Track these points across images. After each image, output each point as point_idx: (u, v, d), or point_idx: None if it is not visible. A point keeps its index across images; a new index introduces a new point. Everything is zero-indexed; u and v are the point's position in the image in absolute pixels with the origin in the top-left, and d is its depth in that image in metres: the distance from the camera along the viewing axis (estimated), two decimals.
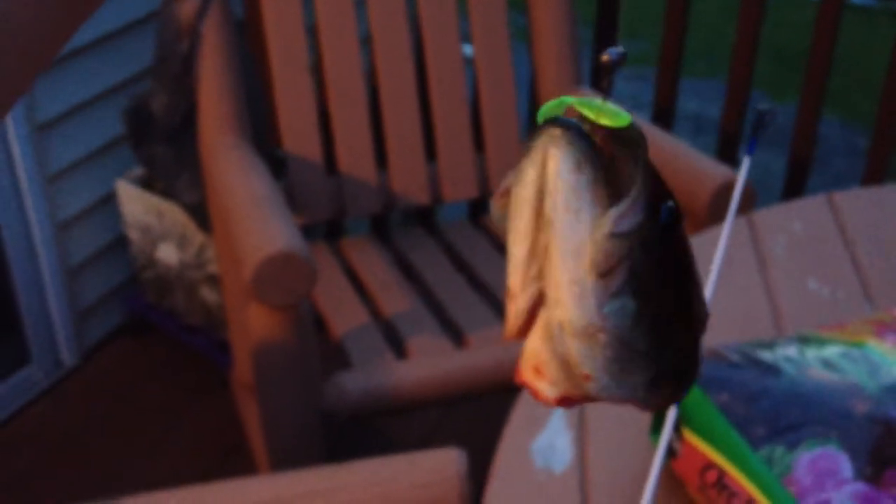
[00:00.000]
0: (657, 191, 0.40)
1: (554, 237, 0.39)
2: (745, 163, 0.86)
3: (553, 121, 0.39)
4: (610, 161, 0.39)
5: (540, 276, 0.41)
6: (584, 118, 0.39)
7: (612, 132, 0.39)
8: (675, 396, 0.46)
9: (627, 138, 0.39)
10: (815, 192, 1.39)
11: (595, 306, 0.40)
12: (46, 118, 1.98)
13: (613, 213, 0.38)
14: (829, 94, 1.99)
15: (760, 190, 3.13)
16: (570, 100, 0.40)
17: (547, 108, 0.40)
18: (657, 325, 0.41)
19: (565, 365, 0.42)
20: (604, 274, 0.39)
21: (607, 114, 0.39)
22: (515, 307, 0.42)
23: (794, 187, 2.06)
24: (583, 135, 0.38)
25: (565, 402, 0.44)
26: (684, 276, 0.43)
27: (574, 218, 0.38)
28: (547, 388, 0.43)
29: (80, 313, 2.18)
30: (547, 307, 0.41)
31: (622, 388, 0.43)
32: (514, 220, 0.40)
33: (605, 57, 0.40)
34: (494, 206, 0.42)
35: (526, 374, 0.43)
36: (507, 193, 0.41)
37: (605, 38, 2.21)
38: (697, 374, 0.46)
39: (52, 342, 2.15)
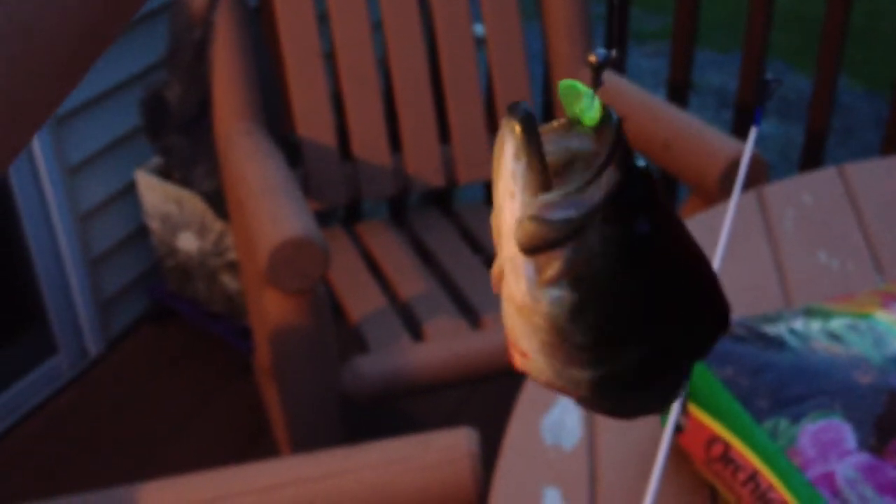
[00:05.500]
0: (636, 198, 0.40)
1: (500, 215, 0.41)
2: (752, 135, 0.86)
3: (512, 106, 0.40)
4: (595, 157, 0.40)
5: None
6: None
7: (596, 129, 0.40)
8: (640, 411, 0.45)
9: (604, 137, 0.40)
10: (841, 163, 1.38)
11: (526, 286, 0.40)
12: (64, 111, 2.01)
13: (543, 198, 0.39)
14: (856, 64, 1.97)
15: (782, 161, 3.12)
16: (581, 88, 0.40)
17: (564, 87, 0.41)
18: (604, 327, 0.41)
19: (510, 336, 0.43)
20: (528, 254, 0.40)
21: (585, 111, 0.40)
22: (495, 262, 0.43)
23: (811, 157, 2.04)
24: (529, 124, 0.39)
25: (525, 372, 0.44)
26: (663, 292, 0.42)
27: (510, 200, 0.40)
28: (515, 354, 0.44)
29: (104, 303, 2.21)
30: (504, 277, 0.42)
31: (560, 379, 0.42)
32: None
33: (592, 58, 0.41)
34: None
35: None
36: None
37: (618, 13, 2.20)
38: (674, 396, 0.45)
39: (78, 332, 2.18)
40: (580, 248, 0.39)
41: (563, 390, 0.43)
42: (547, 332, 0.41)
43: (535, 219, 0.39)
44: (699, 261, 0.42)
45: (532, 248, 0.39)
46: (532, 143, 0.39)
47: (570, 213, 0.39)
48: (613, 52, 0.41)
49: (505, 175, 0.40)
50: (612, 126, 0.39)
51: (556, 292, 0.40)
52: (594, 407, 0.44)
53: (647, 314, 0.42)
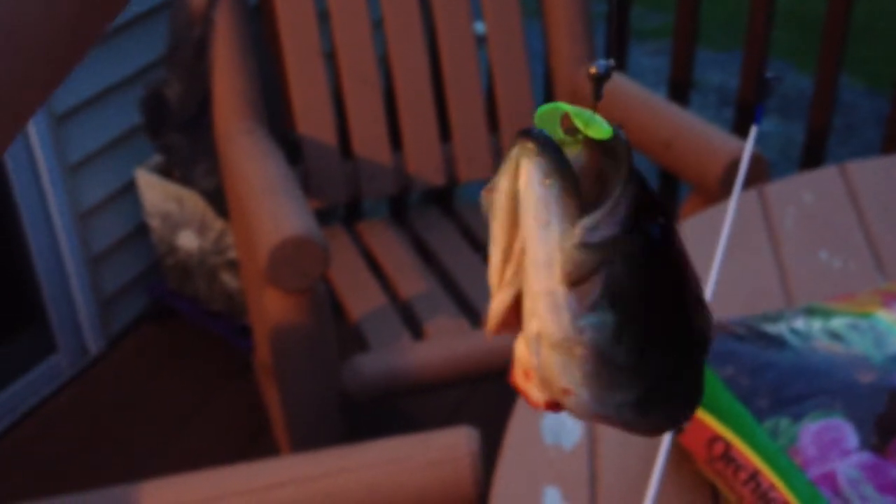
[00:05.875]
0: (646, 206, 0.39)
1: (526, 247, 0.39)
2: (752, 133, 0.86)
3: (525, 132, 0.39)
4: (597, 173, 0.39)
5: (516, 279, 0.40)
6: (572, 128, 0.39)
7: (599, 144, 0.39)
8: (672, 422, 0.45)
9: (612, 151, 0.39)
10: (842, 162, 1.38)
11: (569, 319, 0.39)
12: (65, 109, 2.00)
13: (584, 222, 0.38)
14: (857, 62, 1.96)
15: (783, 160, 3.12)
16: (565, 107, 0.39)
17: (542, 112, 0.40)
18: (643, 341, 0.40)
19: (545, 376, 0.41)
20: (575, 284, 0.38)
21: (592, 125, 0.39)
22: (492, 306, 0.41)
23: (812, 156, 2.04)
24: (552, 147, 0.38)
25: (554, 407, 0.43)
26: (679, 294, 0.41)
27: (543, 229, 0.38)
28: (536, 392, 0.42)
29: (104, 301, 2.21)
30: (524, 315, 0.40)
31: (605, 407, 0.41)
32: (492, 222, 0.40)
33: (592, 69, 0.40)
34: (484, 199, 0.41)
35: (517, 376, 0.42)
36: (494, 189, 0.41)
37: (619, 11, 2.20)
38: (699, 399, 0.44)
39: (77, 331, 2.18)
40: (613, 265, 0.39)
41: (606, 419, 0.42)
42: (590, 360, 0.39)
43: (582, 246, 0.38)
44: (687, 258, 0.42)
45: (581, 277, 0.38)
46: (562, 167, 0.38)
47: (609, 232, 0.38)
48: (612, 62, 0.41)
49: (533, 205, 0.38)
50: (621, 138, 0.39)
51: (597, 317, 0.39)
52: (637, 428, 0.43)
53: (670, 319, 0.41)
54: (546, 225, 0.38)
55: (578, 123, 0.39)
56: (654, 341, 0.41)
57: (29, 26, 0.35)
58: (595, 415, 0.42)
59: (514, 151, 0.39)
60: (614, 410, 0.41)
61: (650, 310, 0.40)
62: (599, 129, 0.39)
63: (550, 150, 0.38)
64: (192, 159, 1.99)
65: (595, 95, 0.40)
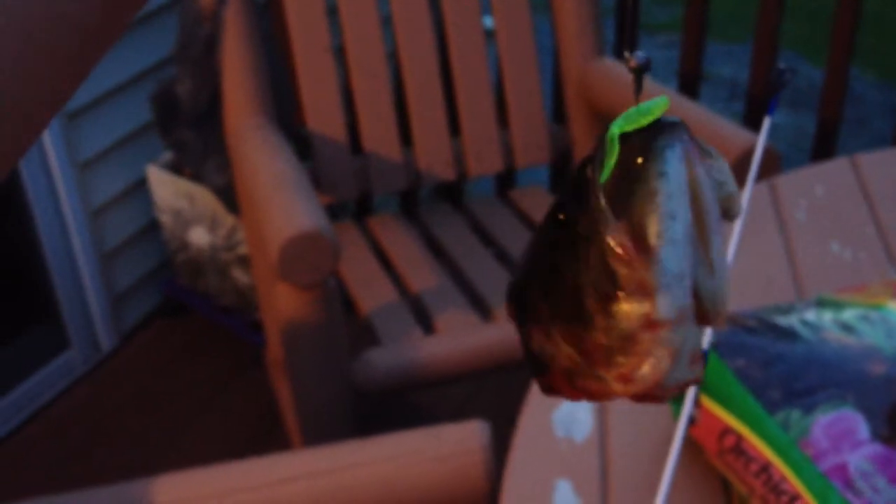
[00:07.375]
0: None
1: (707, 233, 0.40)
2: (766, 125, 0.86)
3: (659, 128, 0.39)
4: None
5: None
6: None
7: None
8: None
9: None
10: (853, 153, 1.37)
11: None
12: (76, 107, 2.01)
13: (736, 190, 0.42)
14: (868, 53, 1.95)
15: (795, 152, 3.11)
16: (615, 131, 0.39)
17: (609, 162, 0.40)
18: None
19: (696, 357, 0.41)
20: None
21: (650, 111, 0.39)
22: (671, 353, 0.40)
23: (823, 148, 2.03)
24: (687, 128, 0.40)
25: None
26: None
27: (713, 210, 0.40)
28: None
29: (116, 298, 2.22)
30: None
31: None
32: (673, 267, 0.39)
33: (632, 62, 0.40)
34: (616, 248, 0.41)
35: (667, 394, 0.42)
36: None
37: (629, 7, 2.19)
38: None
39: (90, 327, 2.19)
40: None
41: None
42: None
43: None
44: None
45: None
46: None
47: None
48: (629, 54, 0.41)
49: (702, 185, 0.40)
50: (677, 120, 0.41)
51: None
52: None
53: None
54: (710, 204, 0.41)
55: (630, 125, 0.39)
56: None
57: (49, 27, 0.35)
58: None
59: (663, 141, 0.39)
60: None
61: None
62: (656, 106, 0.40)
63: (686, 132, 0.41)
64: (203, 156, 1.99)
65: (637, 87, 0.41)
